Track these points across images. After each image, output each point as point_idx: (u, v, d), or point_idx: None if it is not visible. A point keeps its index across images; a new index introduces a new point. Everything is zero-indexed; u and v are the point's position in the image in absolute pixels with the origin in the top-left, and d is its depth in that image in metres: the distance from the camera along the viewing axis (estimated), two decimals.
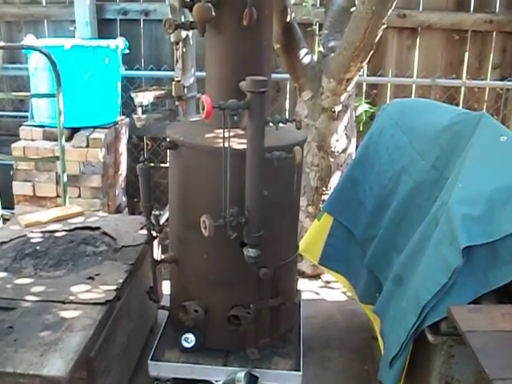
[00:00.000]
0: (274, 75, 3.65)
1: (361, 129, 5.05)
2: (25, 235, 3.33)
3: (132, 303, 3.03)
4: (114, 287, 2.76)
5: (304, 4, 4.48)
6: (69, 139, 4.62)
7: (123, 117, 5.19)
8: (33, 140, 4.78)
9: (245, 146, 2.53)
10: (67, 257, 3.09)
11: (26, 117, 5.13)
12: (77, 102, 4.56)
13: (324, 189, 4.27)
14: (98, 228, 3.45)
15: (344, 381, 3.31)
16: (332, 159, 4.22)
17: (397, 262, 2.73)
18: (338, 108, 4.09)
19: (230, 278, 2.88)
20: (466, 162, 2.48)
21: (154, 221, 2.94)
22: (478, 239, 2.21)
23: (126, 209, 5.40)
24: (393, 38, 5.43)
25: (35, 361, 2.17)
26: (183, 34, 4.02)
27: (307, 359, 3.23)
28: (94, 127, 4.78)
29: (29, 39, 4.67)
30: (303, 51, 4.09)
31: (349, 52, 3.67)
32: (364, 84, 5.44)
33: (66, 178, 4.10)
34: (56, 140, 4.26)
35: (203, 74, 3.08)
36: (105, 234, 3.39)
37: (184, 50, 4.14)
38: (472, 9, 5.37)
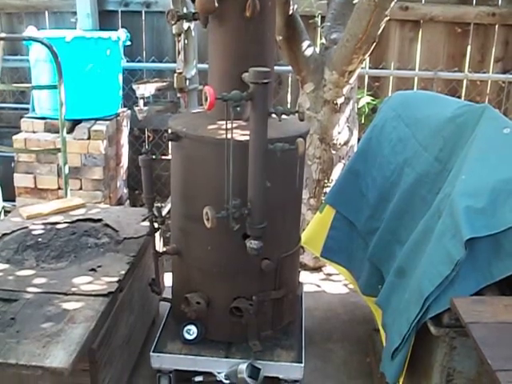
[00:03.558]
0: (275, 67, 3.63)
1: (363, 121, 5.04)
2: (26, 227, 3.33)
3: (134, 295, 3.04)
4: (117, 279, 2.75)
5: None
6: (70, 131, 4.61)
7: (125, 109, 5.18)
8: (34, 132, 4.77)
9: (248, 138, 2.52)
10: (69, 248, 3.09)
11: (27, 109, 5.12)
12: (78, 93, 4.55)
13: (326, 181, 4.27)
14: (99, 220, 3.44)
15: (346, 373, 3.31)
16: (334, 151, 4.21)
17: (399, 254, 2.73)
18: (340, 100, 4.08)
19: (232, 269, 2.88)
20: (469, 154, 2.48)
21: (156, 212, 2.94)
22: (481, 231, 2.20)
23: (128, 201, 5.40)
24: (395, 30, 5.42)
25: (38, 352, 2.17)
26: (185, 25, 4.02)
27: (309, 351, 3.24)
28: (96, 119, 4.76)
29: (30, 31, 4.66)
30: (305, 43, 4.07)
31: (351, 44, 3.66)
32: (366, 76, 5.43)
33: (67, 170, 4.10)
34: (57, 132, 4.24)
35: (205, 65, 3.08)
36: (107, 225, 3.38)
37: (186, 41, 4.14)
38: (474, 2, 5.36)
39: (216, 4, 2.62)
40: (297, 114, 2.61)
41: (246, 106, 2.53)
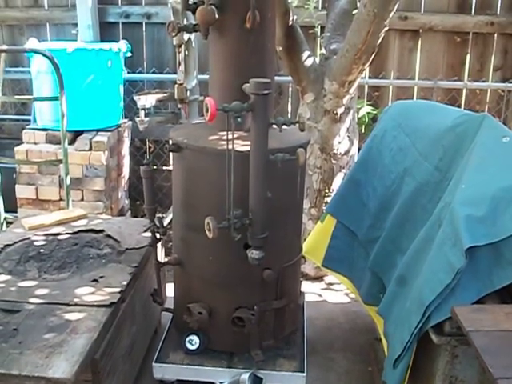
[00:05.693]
0: (276, 78, 3.64)
1: (363, 131, 5.05)
2: (28, 238, 3.33)
3: (136, 305, 3.04)
4: (119, 289, 2.76)
5: (306, 6, 4.48)
6: (72, 142, 4.62)
7: (126, 120, 5.20)
8: (36, 143, 4.78)
9: (248, 148, 2.54)
10: (71, 259, 3.09)
11: (29, 120, 5.14)
12: (79, 105, 4.57)
13: (327, 191, 4.28)
14: (101, 231, 3.45)
15: (348, 382, 3.30)
16: (334, 161, 4.22)
17: (400, 263, 2.73)
18: (340, 110, 4.09)
19: (234, 279, 2.88)
20: (469, 162, 2.49)
21: (157, 223, 2.95)
22: (481, 240, 2.21)
23: (129, 211, 5.40)
24: (394, 40, 5.44)
25: (40, 363, 2.17)
26: (185, 36, 4.04)
27: (311, 361, 3.24)
28: (97, 130, 4.78)
29: (31, 43, 4.68)
30: (305, 54, 4.09)
31: (351, 54, 3.67)
32: (366, 86, 5.45)
33: (69, 181, 4.10)
34: (59, 143, 4.26)
35: (205, 76, 3.09)
36: (108, 236, 3.38)
37: (186, 52, 4.16)
38: (473, 11, 5.37)
39: (216, 16, 2.64)
40: (297, 125, 2.62)
41: (247, 116, 2.54)
